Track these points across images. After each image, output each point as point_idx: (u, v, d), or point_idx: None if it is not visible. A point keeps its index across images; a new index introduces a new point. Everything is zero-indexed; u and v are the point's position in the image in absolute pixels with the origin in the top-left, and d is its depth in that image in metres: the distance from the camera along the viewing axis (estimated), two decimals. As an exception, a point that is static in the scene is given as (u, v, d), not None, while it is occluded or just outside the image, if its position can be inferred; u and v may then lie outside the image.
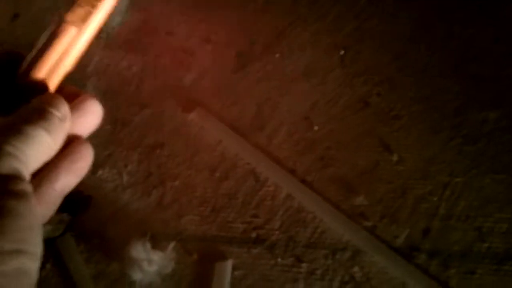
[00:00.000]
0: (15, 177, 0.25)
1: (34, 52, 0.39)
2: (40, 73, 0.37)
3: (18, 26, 0.77)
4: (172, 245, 0.60)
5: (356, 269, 0.58)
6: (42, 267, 0.62)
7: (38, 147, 0.27)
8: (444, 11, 0.73)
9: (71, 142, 0.32)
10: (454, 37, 0.71)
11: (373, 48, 0.72)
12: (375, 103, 0.69)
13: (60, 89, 0.38)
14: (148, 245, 0.59)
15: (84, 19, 0.42)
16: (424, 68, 0.70)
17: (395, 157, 0.64)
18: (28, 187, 0.25)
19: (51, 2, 0.80)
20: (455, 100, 0.67)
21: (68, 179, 0.30)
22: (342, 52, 0.71)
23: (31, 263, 0.22)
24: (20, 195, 0.24)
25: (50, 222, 0.69)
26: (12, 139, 0.25)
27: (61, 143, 0.30)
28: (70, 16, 0.41)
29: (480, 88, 0.68)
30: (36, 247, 0.22)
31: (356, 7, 0.74)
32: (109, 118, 0.70)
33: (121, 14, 0.74)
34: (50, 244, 0.62)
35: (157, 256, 0.59)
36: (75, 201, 0.70)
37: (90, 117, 0.35)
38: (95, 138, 0.69)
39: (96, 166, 0.67)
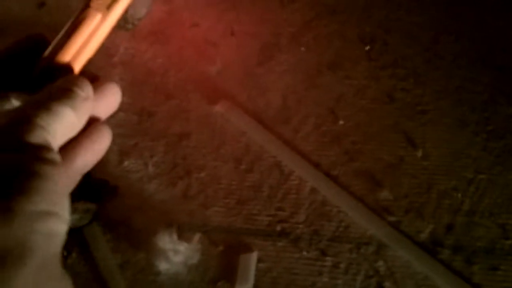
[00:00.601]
0: (46, 147, 0.26)
1: (60, 36, 0.40)
2: (65, 56, 0.38)
3: (44, 14, 0.78)
4: (197, 236, 0.61)
5: (380, 263, 0.59)
6: (69, 255, 0.63)
7: (64, 123, 0.29)
8: (472, 3, 0.72)
9: (91, 123, 0.34)
10: (484, 28, 0.70)
11: (401, 39, 0.71)
12: (401, 97, 0.68)
13: (82, 73, 0.39)
14: (175, 236, 0.60)
15: (109, 5, 0.42)
16: (452, 59, 0.70)
17: (420, 152, 0.64)
18: (57, 157, 0.26)
19: (77, -11, 0.80)
20: (483, 92, 0.67)
21: (87, 158, 0.32)
22: (368, 47, 0.70)
23: (62, 225, 0.24)
24: (52, 162, 0.26)
25: (76, 211, 0.71)
26: (41, 113, 0.27)
27: (84, 122, 0.32)
28: (95, 2, 0.42)
29: (508, 80, 0.67)
30: (66, 211, 0.24)
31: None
32: (135, 109, 0.71)
33: (146, 5, 0.74)
34: (76, 233, 0.63)
35: (183, 247, 0.60)
36: (102, 190, 0.71)
37: (110, 99, 0.36)
38: (122, 128, 0.70)
39: (122, 156, 0.68)
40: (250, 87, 0.71)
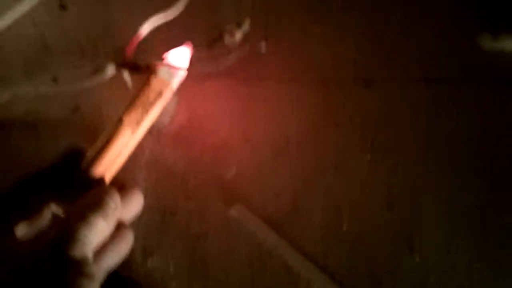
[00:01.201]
0: (86, 261, 0.33)
1: (95, 148, 0.49)
2: (99, 168, 0.46)
3: (78, 118, 0.87)
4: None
5: None
6: None
7: (97, 232, 0.36)
8: (466, 114, 0.81)
9: (117, 227, 0.41)
10: (475, 139, 0.79)
11: (400, 148, 0.79)
12: (400, 202, 0.76)
13: (112, 180, 0.47)
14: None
15: (139, 122, 0.51)
16: (448, 170, 0.78)
17: (417, 258, 0.72)
18: (94, 270, 0.34)
19: (110, 94, 0.89)
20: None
21: (112, 259, 0.39)
22: (369, 156, 0.78)
23: None
24: (90, 276, 0.33)
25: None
26: (80, 227, 0.34)
27: (112, 228, 0.39)
28: (126, 119, 0.50)
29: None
30: None
31: (385, 108, 0.82)
32: (158, 209, 0.79)
33: (170, 113, 0.84)
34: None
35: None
36: (128, 286, 0.78)
37: (134, 206, 0.44)
38: (146, 227, 0.78)
39: (146, 254, 0.75)
40: (262, 191, 0.79)
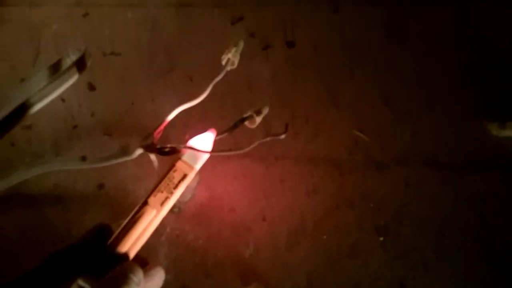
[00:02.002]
0: None
1: (121, 227, 0.51)
2: (124, 247, 0.49)
3: (103, 195, 0.91)
4: None
5: None
6: None
7: None
8: (477, 198, 0.84)
9: None
10: (485, 225, 0.82)
11: (412, 230, 0.82)
12: (411, 285, 0.78)
13: (136, 257, 0.50)
14: None
15: (163, 203, 0.53)
16: (457, 252, 0.80)
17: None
18: None
19: (133, 171, 0.93)
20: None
21: None
22: (382, 238, 0.81)
23: None
24: None
25: None
26: None
27: None
28: (151, 200, 0.53)
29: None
30: None
31: (397, 191, 0.86)
32: (177, 285, 0.82)
33: (191, 191, 0.88)
34: None
35: None
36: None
37: (156, 282, 0.47)
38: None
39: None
40: (278, 270, 0.82)
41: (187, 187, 0.61)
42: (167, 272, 0.73)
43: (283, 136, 0.59)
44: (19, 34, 1.12)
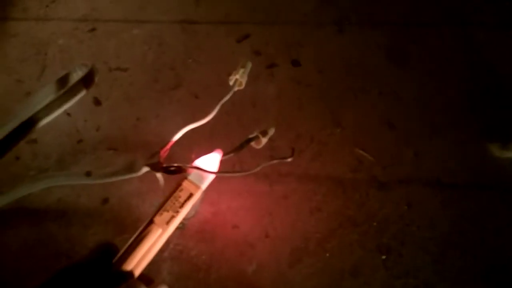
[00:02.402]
0: None
1: (127, 245, 0.51)
2: (129, 265, 0.49)
3: (107, 210, 0.91)
4: None
5: None
6: None
7: None
8: (478, 218, 0.85)
9: None
10: (485, 246, 0.82)
11: (413, 250, 0.83)
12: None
13: (141, 275, 0.50)
14: None
15: (169, 222, 0.53)
16: (458, 273, 0.81)
17: None
18: None
19: (137, 186, 0.94)
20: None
21: None
22: (384, 257, 0.82)
23: None
24: None
25: None
26: None
27: None
28: (157, 219, 0.53)
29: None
30: None
31: (398, 212, 0.86)
32: (180, 302, 0.82)
33: (195, 208, 0.88)
34: None
35: None
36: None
37: None
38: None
39: None
40: (281, 287, 0.82)
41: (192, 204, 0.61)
42: (170, 289, 0.73)
43: (289, 159, 0.60)
44: (25, 48, 1.13)
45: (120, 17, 1.20)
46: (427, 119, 0.95)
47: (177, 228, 0.82)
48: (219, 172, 0.55)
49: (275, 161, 0.56)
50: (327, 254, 0.84)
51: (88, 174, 0.70)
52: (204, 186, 0.54)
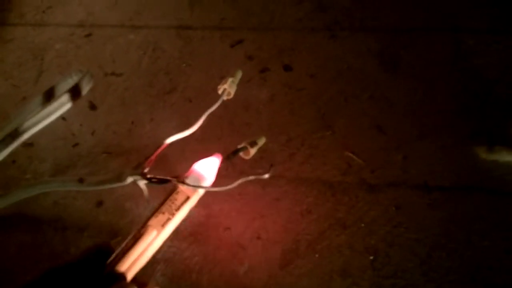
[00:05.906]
0: None
1: (122, 246, 0.52)
2: (123, 267, 0.50)
3: (101, 212, 0.93)
4: None
5: None
6: None
7: None
8: (464, 220, 0.86)
9: None
10: (471, 247, 0.84)
11: (401, 253, 0.85)
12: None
13: (134, 279, 0.51)
14: None
15: (164, 224, 0.54)
16: (445, 273, 0.82)
17: None
18: None
19: (131, 189, 0.95)
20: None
21: None
22: (372, 257, 0.84)
23: None
24: None
25: None
26: None
27: None
28: (152, 221, 0.54)
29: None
30: None
31: (387, 214, 0.88)
32: (173, 303, 0.83)
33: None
34: None
35: None
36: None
37: None
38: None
39: None
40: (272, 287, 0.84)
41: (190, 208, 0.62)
42: (163, 291, 0.75)
43: (266, 176, 0.60)
44: (22, 53, 1.15)
45: (116, 23, 1.22)
46: (416, 123, 0.97)
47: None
48: (193, 185, 0.55)
49: (251, 177, 0.57)
50: (317, 256, 0.86)
51: (81, 180, 0.72)
52: (201, 190, 0.55)
